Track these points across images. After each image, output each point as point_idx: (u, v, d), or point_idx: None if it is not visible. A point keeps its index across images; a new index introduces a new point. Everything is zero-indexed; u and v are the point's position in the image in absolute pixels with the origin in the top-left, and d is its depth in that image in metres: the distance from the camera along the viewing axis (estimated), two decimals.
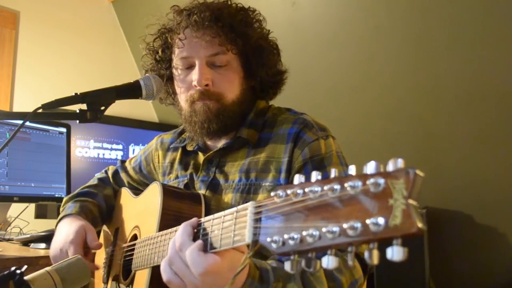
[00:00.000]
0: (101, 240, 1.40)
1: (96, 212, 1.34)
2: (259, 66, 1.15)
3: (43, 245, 1.68)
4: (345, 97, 2.25)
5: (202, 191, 1.15)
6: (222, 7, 1.12)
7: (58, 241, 1.21)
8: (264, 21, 1.19)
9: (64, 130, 2.18)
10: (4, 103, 2.42)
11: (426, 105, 2.03)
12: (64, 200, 1.40)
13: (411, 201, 0.45)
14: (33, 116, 0.99)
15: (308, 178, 0.56)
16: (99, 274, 1.31)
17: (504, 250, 1.94)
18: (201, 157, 1.22)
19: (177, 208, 1.05)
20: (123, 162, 1.49)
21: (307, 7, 2.19)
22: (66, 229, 1.21)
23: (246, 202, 1.06)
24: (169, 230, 0.92)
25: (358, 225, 0.47)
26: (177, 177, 1.26)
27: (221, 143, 1.18)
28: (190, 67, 1.13)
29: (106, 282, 1.24)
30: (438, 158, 2.05)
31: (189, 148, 1.25)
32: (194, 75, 1.10)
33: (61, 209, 1.37)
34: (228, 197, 1.11)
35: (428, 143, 2.06)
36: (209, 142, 1.22)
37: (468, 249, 2.04)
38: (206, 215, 1.08)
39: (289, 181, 1.07)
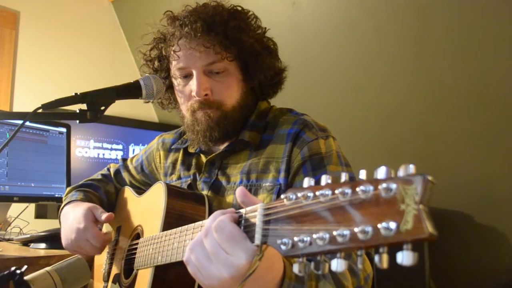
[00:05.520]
0: None
1: (98, 204, 1.34)
2: (256, 69, 1.14)
3: (43, 245, 1.68)
4: (345, 97, 2.25)
5: (204, 192, 1.16)
6: (214, 14, 1.10)
7: (68, 228, 1.20)
8: (258, 20, 1.17)
9: (64, 130, 2.18)
10: (4, 103, 2.42)
11: (426, 105, 2.02)
12: (67, 189, 1.41)
13: (422, 207, 0.44)
14: (33, 116, 0.99)
15: (317, 181, 0.56)
16: (98, 274, 1.31)
17: (504, 250, 1.93)
18: (203, 158, 1.22)
19: (181, 208, 1.05)
20: (124, 160, 1.48)
21: (307, 7, 2.18)
22: (73, 215, 1.21)
23: None
24: (174, 230, 0.92)
25: (369, 229, 0.47)
26: (179, 177, 1.26)
27: (223, 145, 1.18)
28: (188, 76, 1.13)
29: (106, 281, 1.24)
30: (438, 158, 2.04)
31: (191, 150, 1.26)
32: (193, 86, 1.10)
33: (63, 197, 1.37)
34: (230, 198, 1.11)
35: (428, 143, 2.06)
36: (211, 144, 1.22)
37: (468, 249, 2.04)
38: (209, 216, 1.08)
39: (288, 181, 1.06)
